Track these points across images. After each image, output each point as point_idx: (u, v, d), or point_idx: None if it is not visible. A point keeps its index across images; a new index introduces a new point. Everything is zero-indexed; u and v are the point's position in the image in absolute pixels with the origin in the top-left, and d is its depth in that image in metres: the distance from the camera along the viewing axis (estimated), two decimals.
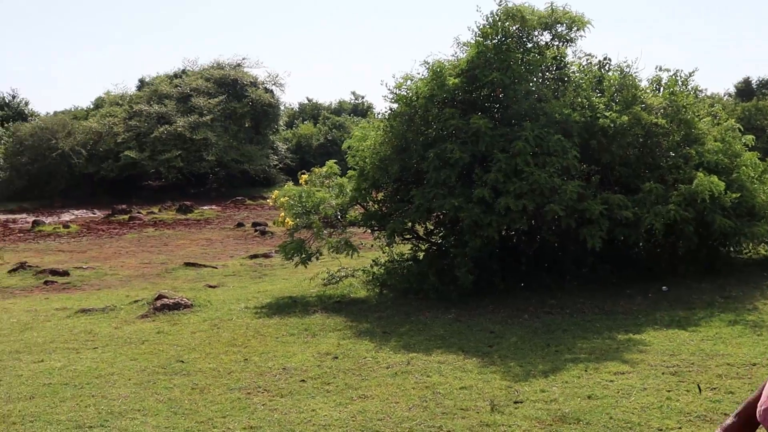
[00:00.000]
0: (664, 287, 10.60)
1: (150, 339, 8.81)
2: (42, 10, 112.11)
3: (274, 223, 12.20)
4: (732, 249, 11.89)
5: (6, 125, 48.79)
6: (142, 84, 47.80)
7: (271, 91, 42.94)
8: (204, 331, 9.15)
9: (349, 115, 50.78)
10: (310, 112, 52.60)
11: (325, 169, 12.48)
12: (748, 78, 47.26)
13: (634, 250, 11.76)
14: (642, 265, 11.56)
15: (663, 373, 6.93)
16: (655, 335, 8.30)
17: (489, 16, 11.41)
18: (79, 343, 8.80)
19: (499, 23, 11.35)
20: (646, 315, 9.29)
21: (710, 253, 11.56)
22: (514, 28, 11.49)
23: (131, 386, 6.96)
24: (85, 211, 32.87)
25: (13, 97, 58.64)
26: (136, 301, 11.17)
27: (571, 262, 11.34)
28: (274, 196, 12.43)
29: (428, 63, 11.42)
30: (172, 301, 10.47)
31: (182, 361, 7.80)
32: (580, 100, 11.35)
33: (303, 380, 7.13)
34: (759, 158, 11.96)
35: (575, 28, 11.91)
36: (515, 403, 6.25)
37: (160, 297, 10.70)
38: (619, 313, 9.49)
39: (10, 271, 16.15)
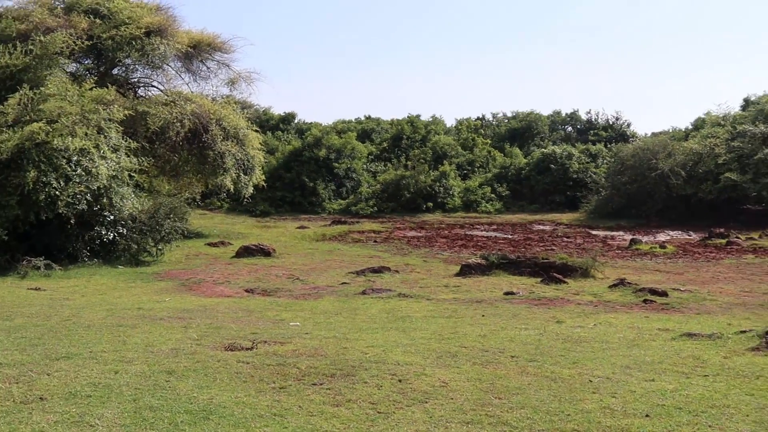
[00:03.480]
0: None
1: (765, 375, 8.28)
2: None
3: None
4: None
5: (609, 146, 51.35)
6: (747, 103, 46.09)
7: None
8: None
9: None
10: None
11: None
12: None
13: None
14: None
15: None
16: None
17: None
18: (688, 368, 8.67)
19: None
20: None
21: None
22: None
23: (749, 423, 6.58)
24: (680, 232, 32.88)
25: (617, 119, 61.53)
26: (743, 332, 10.66)
27: None
28: None
29: None
30: None
31: None
32: None
33: None
34: None
35: None
36: None
37: None
38: None
39: (610, 286, 16.81)
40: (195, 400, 6.98)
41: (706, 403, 7.14)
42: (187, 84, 31.42)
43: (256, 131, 32.12)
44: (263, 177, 33.15)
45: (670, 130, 50.27)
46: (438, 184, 44.46)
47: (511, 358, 9.10)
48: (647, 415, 6.75)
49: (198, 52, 30.57)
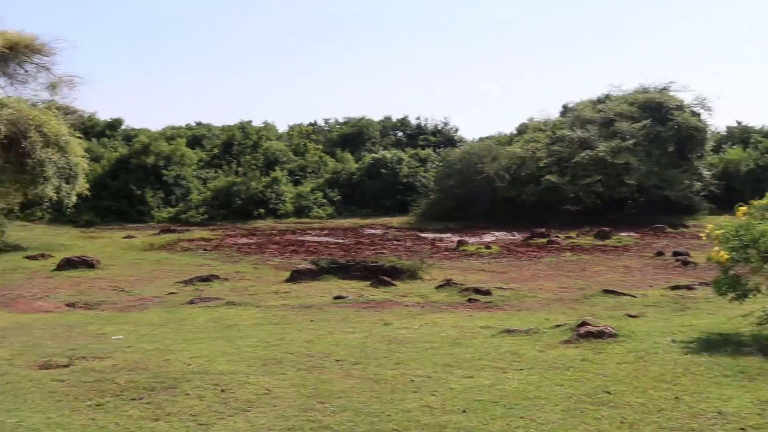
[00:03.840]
0: None
1: (575, 366, 8.70)
2: (457, 43, 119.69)
3: (708, 259, 11.41)
4: None
5: (438, 150, 52.77)
6: (565, 110, 48.57)
7: (698, 115, 40.99)
8: (630, 363, 8.81)
9: None
10: (739, 135, 49.17)
11: (765, 201, 11.41)
12: None
13: None
14: None
15: None
16: None
17: None
18: (506, 363, 8.99)
19: None
20: None
21: None
22: None
23: (558, 412, 6.90)
24: (505, 233, 34.12)
25: (445, 124, 63.30)
26: (558, 326, 11.17)
27: None
28: (708, 230, 11.64)
29: None
30: (596, 329, 10.28)
31: (609, 392, 7.56)
32: None
33: (742, 428, 6.51)
34: None
35: None
36: None
37: (583, 324, 10.57)
38: None
39: (437, 287, 17.21)
40: (2, 425, 6.57)
41: (519, 396, 7.42)
42: (3, 88, 29.64)
43: (80, 138, 30.72)
44: (87, 186, 31.71)
45: (496, 135, 52.13)
46: (269, 190, 44.11)
47: (336, 362, 9.13)
48: (464, 411, 6.93)
49: (15, 54, 28.85)
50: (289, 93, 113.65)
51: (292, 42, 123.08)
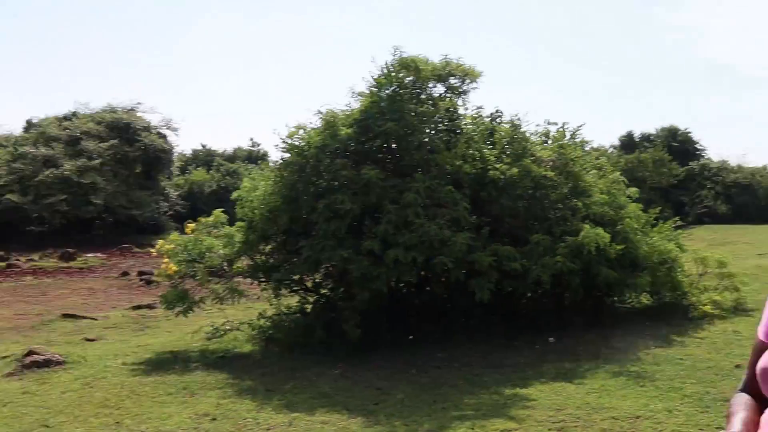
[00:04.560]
0: (550, 338, 10.61)
1: (14, 401, 8.16)
2: None
3: (158, 274, 11.67)
4: (616, 299, 12.10)
5: None
6: (29, 126, 46.07)
7: (165, 136, 42.10)
8: (75, 391, 8.56)
9: (244, 162, 50.21)
10: (204, 158, 51.79)
11: (212, 218, 12.06)
12: (631, 132, 49.22)
13: (522, 302, 11.76)
14: (530, 316, 11.57)
15: (549, 430, 6.81)
16: (542, 389, 8.21)
17: (384, 66, 11.37)
18: None
19: (393, 74, 11.32)
20: (534, 368, 9.22)
21: (595, 304, 11.72)
22: (408, 79, 11.47)
23: None
24: None
25: None
26: (4, 357, 10.44)
27: (459, 315, 11.27)
28: (159, 246, 11.92)
29: (321, 112, 11.26)
30: (42, 357, 9.81)
31: (47, 426, 7.24)
32: (471, 151, 11.37)
33: None
34: (641, 210, 12.27)
35: (468, 80, 11.99)
36: None
37: (30, 353, 10.01)
38: (507, 365, 9.39)
39: None
40: None
41: None
42: None
43: None
44: None
45: None
46: None
47: None
48: None
49: None
50: None
51: None
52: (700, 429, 6.64)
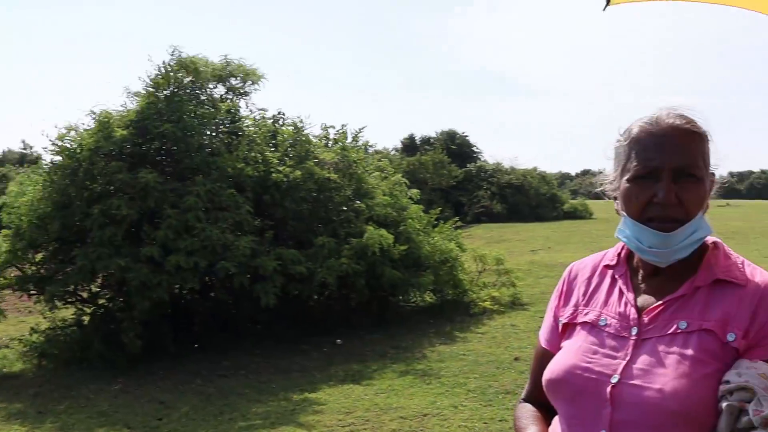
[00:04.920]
0: (338, 340, 10.64)
1: None
2: None
3: None
4: (401, 299, 12.36)
5: None
6: None
7: None
8: None
9: (14, 166, 46.92)
10: None
11: None
12: (413, 134, 50.59)
13: (309, 305, 11.73)
14: (317, 319, 11.57)
15: None
16: (330, 392, 8.20)
17: (161, 66, 11.00)
18: None
19: (172, 74, 10.99)
20: (322, 371, 9.20)
21: (381, 304, 11.89)
22: (187, 79, 11.18)
23: None
24: None
25: None
26: None
27: (246, 320, 11.08)
28: None
29: (95, 113, 10.69)
30: None
31: None
32: (253, 154, 11.22)
33: None
34: (423, 211, 12.62)
35: (250, 81, 11.88)
36: None
37: None
38: (295, 370, 9.31)
39: None
40: None
41: None
42: None
43: None
44: None
45: None
46: None
47: None
48: None
49: None
50: None
51: None
52: (485, 422, 6.86)
